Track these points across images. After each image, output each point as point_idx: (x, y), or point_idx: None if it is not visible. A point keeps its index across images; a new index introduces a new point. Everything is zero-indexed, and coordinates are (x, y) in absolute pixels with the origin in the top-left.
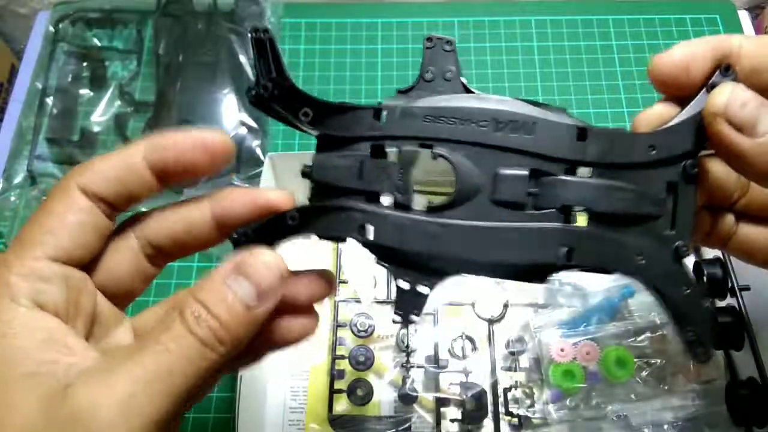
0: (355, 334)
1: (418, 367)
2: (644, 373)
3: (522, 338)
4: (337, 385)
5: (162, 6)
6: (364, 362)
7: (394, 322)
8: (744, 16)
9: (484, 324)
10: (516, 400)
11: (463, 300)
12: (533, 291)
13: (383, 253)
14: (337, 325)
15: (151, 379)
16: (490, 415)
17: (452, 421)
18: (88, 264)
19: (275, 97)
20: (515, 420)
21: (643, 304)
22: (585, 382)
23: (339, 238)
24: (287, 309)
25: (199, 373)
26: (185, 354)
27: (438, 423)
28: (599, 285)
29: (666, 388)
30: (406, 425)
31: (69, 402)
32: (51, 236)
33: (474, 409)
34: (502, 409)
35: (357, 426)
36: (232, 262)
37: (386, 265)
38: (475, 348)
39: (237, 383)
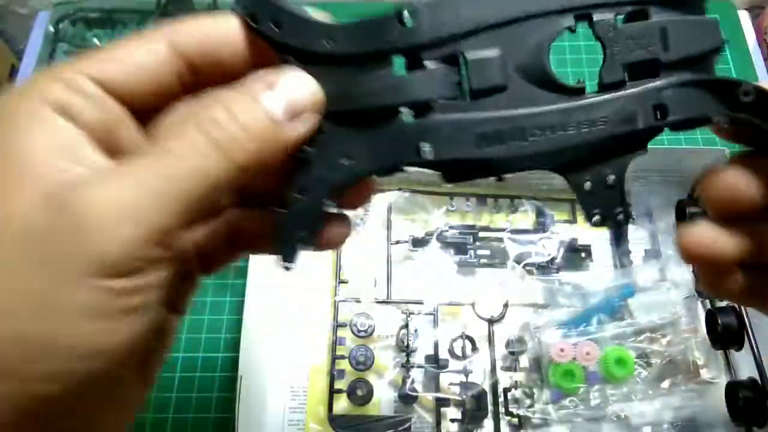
0: (355, 334)
1: (418, 367)
2: (644, 373)
3: (522, 338)
4: (337, 385)
5: (162, 6)
6: (364, 362)
7: None
8: (744, 16)
9: (484, 324)
10: (516, 400)
11: (463, 300)
12: (533, 291)
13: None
14: (337, 325)
15: (158, 185)
16: (490, 415)
17: (452, 421)
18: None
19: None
20: (515, 420)
21: (643, 304)
22: (585, 382)
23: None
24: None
25: (209, 183)
26: (197, 159)
27: (438, 423)
28: (599, 285)
29: (666, 388)
30: (406, 425)
31: (71, 207)
32: (108, 63)
33: (474, 409)
34: (502, 409)
35: (357, 426)
36: (262, 76)
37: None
38: (475, 348)
39: (237, 383)
